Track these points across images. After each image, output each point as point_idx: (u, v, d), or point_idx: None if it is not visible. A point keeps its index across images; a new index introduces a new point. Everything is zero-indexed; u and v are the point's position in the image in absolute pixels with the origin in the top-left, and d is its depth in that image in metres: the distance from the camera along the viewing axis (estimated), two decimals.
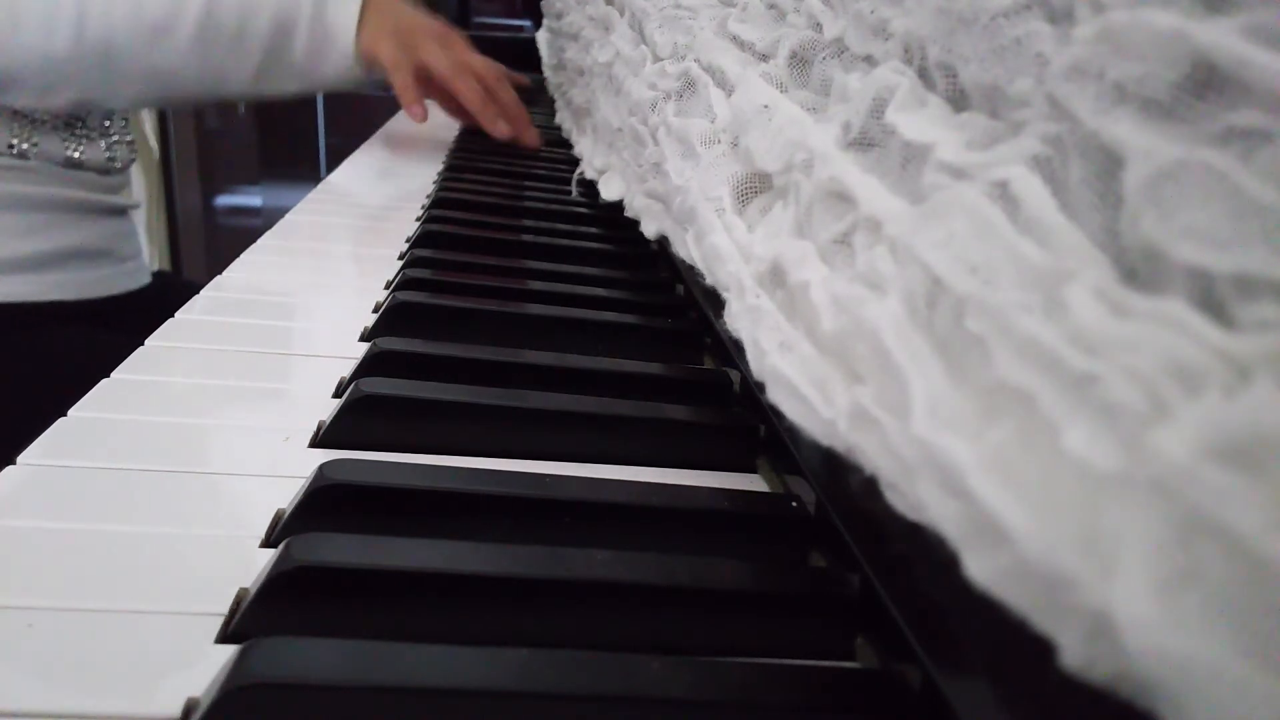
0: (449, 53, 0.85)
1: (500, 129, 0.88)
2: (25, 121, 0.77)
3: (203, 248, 2.05)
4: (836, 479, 0.24)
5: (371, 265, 0.55)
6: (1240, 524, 0.12)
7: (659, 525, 0.29)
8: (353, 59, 0.80)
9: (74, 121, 0.81)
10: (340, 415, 0.34)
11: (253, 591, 0.24)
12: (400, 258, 0.56)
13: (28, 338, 0.76)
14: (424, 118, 0.85)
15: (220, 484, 0.30)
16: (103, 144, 0.85)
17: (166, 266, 1.90)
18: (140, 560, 0.26)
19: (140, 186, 1.70)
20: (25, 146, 0.79)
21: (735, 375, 0.40)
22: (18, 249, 0.78)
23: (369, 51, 0.81)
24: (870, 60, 0.30)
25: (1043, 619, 0.15)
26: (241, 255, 0.54)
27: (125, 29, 0.72)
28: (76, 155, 0.83)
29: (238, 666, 0.20)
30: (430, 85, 0.86)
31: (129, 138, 0.89)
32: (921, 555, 0.18)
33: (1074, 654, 0.14)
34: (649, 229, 0.49)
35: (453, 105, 0.90)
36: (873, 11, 0.30)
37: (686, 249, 0.39)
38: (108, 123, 0.85)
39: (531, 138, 0.92)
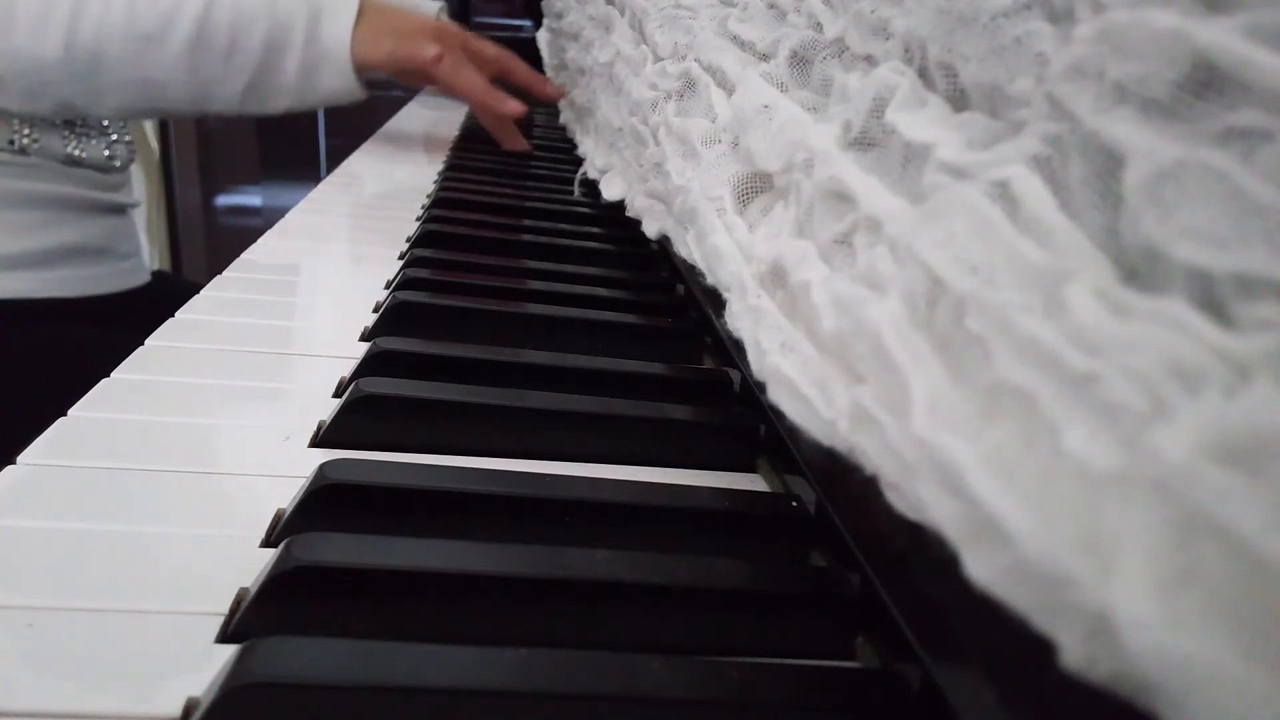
0: (448, 53, 0.84)
1: (512, 106, 0.87)
2: (26, 117, 0.77)
3: (203, 247, 2.05)
4: (837, 479, 0.24)
5: (371, 265, 0.55)
6: (1240, 524, 0.12)
7: (659, 525, 0.29)
8: (349, 74, 0.79)
9: (74, 119, 0.81)
10: (340, 415, 0.34)
11: (253, 591, 0.24)
12: (400, 258, 0.56)
13: (27, 334, 0.76)
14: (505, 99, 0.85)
15: (220, 484, 0.30)
16: (103, 143, 0.85)
17: (166, 266, 1.90)
18: (140, 560, 0.26)
19: (140, 185, 1.70)
20: (26, 142, 0.78)
21: (735, 375, 0.40)
22: (17, 245, 0.78)
23: (366, 61, 0.79)
24: (870, 60, 0.30)
25: (1043, 619, 0.15)
26: (242, 255, 0.54)
27: (117, 37, 0.71)
28: (76, 153, 0.82)
29: (238, 666, 0.20)
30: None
31: (128, 137, 0.89)
32: (921, 555, 0.18)
33: (1074, 654, 0.14)
34: (650, 229, 0.49)
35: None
36: (873, 11, 0.30)
37: (688, 249, 0.39)
38: (106, 122, 0.85)
39: (517, 143, 0.91)
